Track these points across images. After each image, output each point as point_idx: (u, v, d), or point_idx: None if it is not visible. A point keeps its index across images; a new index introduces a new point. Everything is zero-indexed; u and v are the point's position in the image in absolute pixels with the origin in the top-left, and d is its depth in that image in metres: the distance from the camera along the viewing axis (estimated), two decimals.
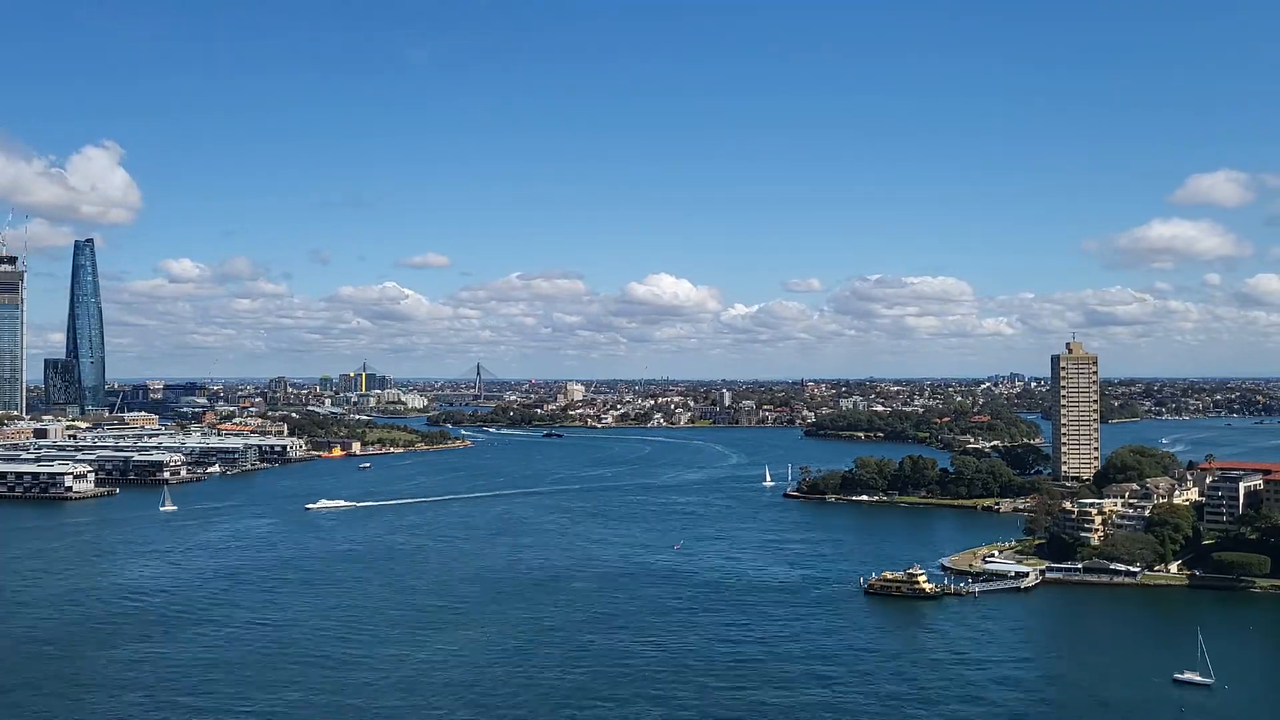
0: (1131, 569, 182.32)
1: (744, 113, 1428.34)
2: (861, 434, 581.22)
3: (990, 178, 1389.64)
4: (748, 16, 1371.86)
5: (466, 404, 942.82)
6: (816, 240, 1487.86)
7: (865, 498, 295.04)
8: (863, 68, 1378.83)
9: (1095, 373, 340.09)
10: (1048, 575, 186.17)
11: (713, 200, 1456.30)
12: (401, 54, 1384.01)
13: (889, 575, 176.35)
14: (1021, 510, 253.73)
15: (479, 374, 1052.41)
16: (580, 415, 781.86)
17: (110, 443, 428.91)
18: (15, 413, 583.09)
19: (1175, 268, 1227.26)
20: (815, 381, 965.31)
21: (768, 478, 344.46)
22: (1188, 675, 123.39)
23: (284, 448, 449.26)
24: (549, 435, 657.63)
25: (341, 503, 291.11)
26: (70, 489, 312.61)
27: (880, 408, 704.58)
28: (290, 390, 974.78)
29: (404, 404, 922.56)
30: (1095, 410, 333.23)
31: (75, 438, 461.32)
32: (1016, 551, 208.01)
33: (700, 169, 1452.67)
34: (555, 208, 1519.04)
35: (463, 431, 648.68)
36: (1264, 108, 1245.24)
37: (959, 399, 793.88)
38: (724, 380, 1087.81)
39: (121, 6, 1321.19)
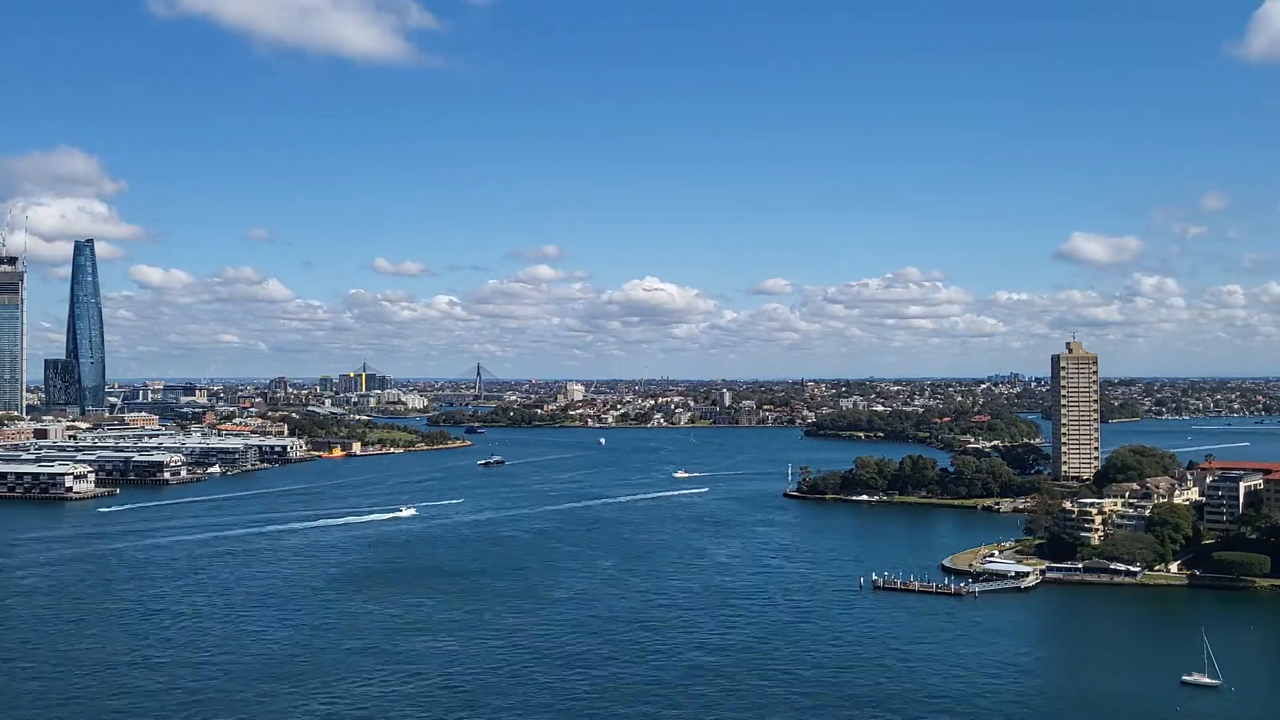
0: (1132, 569, 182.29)
1: (740, 114, 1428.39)
2: (861, 434, 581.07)
3: (971, 177, 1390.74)
4: (735, 20, 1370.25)
5: (466, 404, 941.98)
6: (814, 240, 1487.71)
7: (865, 498, 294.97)
8: (851, 70, 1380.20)
9: (1095, 372, 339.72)
10: (1048, 575, 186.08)
11: (708, 201, 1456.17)
12: (393, 57, 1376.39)
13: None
14: (1021, 510, 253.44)
15: (479, 374, 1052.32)
16: (580, 415, 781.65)
17: (110, 443, 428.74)
18: (15, 413, 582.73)
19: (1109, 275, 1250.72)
20: (815, 381, 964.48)
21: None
22: (1195, 677, 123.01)
23: (284, 448, 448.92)
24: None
25: None
26: (70, 489, 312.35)
27: (880, 408, 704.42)
28: (290, 390, 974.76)
29: (404, 404, 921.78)
30: (1095, 410, 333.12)
31: (75, 438, 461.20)
32: (1016, 551, 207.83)
33: (698, 170, 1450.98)
34: (555, 208, 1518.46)
35: (460, 432, 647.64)
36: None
37: (959, 399, 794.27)
38: (724, 380, 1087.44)
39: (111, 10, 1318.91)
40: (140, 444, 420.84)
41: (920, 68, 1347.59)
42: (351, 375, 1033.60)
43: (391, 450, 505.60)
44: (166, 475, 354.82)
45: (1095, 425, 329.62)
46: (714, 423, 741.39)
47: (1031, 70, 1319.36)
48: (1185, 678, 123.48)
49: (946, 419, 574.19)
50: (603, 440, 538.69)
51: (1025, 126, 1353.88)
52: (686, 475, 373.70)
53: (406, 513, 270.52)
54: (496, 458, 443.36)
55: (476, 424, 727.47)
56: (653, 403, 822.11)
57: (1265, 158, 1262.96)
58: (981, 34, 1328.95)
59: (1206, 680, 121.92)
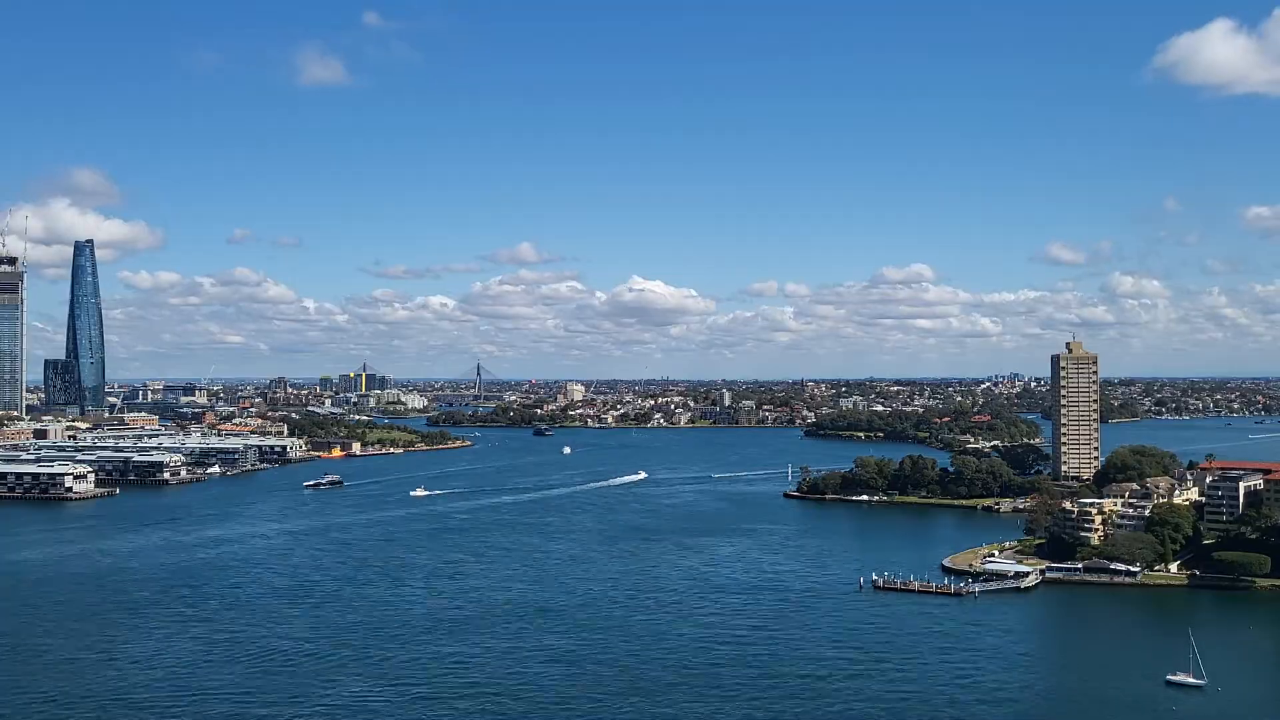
0: (1131, 569, 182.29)
1: (739, 113, 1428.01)
2: (861, 434, 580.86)
3: (960, 179, 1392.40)
4: (727, 20, 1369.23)
5: (466, 404, 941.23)
6: (807, 241, 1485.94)
7: (865, 498, 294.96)
8: (847, 70, 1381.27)
9: (1095, 372, 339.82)
10: (1048, 575, 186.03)
11: (703, 202, 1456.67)
12: (390, 56, 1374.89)
13: None
14: (1021, 510, 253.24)
15: (479, 374, 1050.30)
16: (580, 415, 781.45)
17: (110, 443, 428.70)
18: (15, 413, 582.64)
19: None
20: (815, 381, 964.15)
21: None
22: (1180, 676, 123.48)
23: (284, 448, 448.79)
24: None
25: None
26: (70, 489, 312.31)
27: (880, 408, 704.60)
28: (290, 390, 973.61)
29: (404, 404, 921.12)
30: (1095, 410, 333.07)
31: (75, 438, 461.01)
32: (1016, 551, 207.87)
33: (690, 171, 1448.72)
34: (555, 209, 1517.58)
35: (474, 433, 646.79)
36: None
37: (959, 399, 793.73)
38: (724, 380, 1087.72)
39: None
40: (140, 444, 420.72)
41: (918, 67, 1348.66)
42: (351, 375, 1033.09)
43: (391, 450, 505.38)
44: (166, 475, 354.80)
45: (1095, 425, 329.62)
46: (714, 423, 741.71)
47: (1008, 74, 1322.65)
48: (1170, 677, 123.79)
49: (946, 419, 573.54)
50: (567, 449, 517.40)
51: (1012, 129, 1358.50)
52: (425, 493, 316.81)
53: None
54: (331, 477, 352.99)
55: (543, 425, 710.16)
56: (652, 403, 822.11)
57: (1210, 161, 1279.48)
58: (967, 35, 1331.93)
59: (1191, 680, 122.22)
